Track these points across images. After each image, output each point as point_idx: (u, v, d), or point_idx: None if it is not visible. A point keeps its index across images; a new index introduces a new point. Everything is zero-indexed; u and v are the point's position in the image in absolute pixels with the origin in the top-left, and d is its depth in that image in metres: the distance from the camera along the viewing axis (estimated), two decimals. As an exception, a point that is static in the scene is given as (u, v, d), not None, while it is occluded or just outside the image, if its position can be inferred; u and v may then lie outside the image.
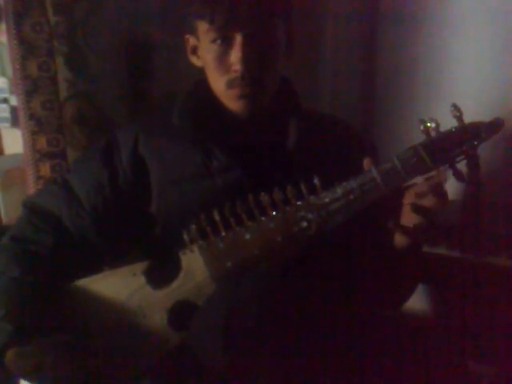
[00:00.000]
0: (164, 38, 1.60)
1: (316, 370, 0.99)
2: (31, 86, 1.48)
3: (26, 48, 1.46)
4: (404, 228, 1.02)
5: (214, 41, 1.12)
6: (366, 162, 1.02)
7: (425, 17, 1.59)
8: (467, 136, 0.99)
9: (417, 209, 0.99)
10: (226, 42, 1.11)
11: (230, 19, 1.08)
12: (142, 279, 1.10)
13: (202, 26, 1.13)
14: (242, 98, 1.14)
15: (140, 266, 1.11)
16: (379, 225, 1.05)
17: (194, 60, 1.22)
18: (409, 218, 1.02)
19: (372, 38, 1.74)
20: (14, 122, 1.67)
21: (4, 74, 1.73)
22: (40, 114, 1.50)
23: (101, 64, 1.55)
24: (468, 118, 1.00)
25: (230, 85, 1.13)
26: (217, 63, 1.13)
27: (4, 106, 1.72)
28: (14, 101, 1.61)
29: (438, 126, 0.99)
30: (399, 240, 1.05)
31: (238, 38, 1.09)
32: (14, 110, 1.65)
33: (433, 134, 1.00)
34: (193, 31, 1.17)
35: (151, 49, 1.60)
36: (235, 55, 1.10)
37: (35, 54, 1.47)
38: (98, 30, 1.53)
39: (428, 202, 0.99)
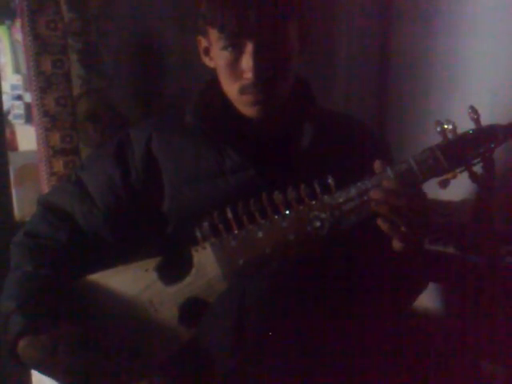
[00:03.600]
0: (177, 35, 1.60)
1: (326, 368, 0.98)
2: (45, 82, 1.49)
3: (40, 45, 1.47)
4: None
5: (225, 48, 1.09)
6: (377, 165, 1.01)
7: (440, 13, 1.57)
8: (484, 138, 0.98)
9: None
10: (237, 49, 1.08)
11: (240, 27, 1.05)
12: (154, 275, 1.10)
13: (213, 33, 1.11)
14: (255, 104, 1.11)
15: (152, 262, 1.11)
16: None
17: (206, 61, 1.20)
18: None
19: (386, 34, 1.73)
20: (28, 118, 1.68)
21: (18, 72, 1.75)
22: (54, 110, 1.50)
23: (114, 61, 1.55)
24: (483, 115, 0.98)
25: (243, 91, 1.11)
26: (229, 70, 1.10)
27: (18, 102, 1.74)
28: (28, 98, 1.63)
29: (454, 128, 0.98)
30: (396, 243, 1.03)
31: (249, 46, 1.06)
32: (28, 106, 1.67)
33: (449, 135, 0.99)
34: (204, 34, 1.16)
35: (165, 46, 1.59)
36: (246, 63, 1.07)
37: (49, 50, 1.48)
38: (111, 27, 1.53)
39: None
